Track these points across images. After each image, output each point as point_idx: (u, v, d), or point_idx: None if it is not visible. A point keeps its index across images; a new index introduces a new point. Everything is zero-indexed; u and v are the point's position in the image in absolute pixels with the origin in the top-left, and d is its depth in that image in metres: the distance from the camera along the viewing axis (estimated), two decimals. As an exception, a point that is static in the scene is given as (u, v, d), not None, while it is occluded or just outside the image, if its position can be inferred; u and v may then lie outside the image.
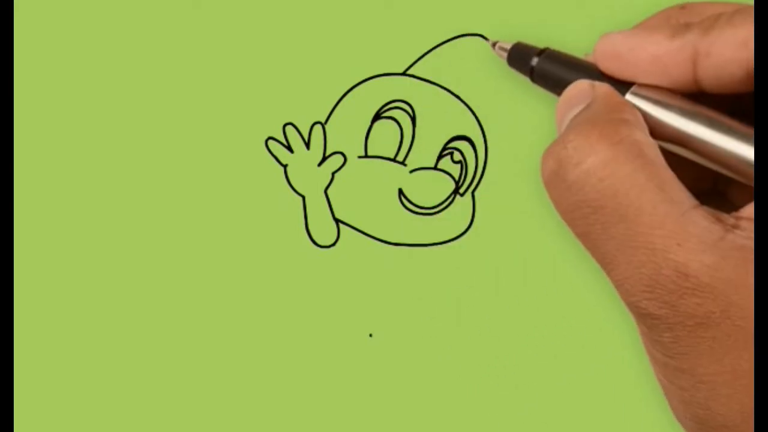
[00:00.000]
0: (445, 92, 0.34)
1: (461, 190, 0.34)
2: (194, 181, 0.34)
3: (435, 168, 0.34)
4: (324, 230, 0.34)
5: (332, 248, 0.34)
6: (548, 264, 0.33)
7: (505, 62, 0.31)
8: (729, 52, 0.25)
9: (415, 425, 0.33)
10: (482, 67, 0.34)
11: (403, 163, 0.34)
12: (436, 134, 0.34)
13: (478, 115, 0.34)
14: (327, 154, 0.34)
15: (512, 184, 0.33)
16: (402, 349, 0.33)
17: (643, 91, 0.27)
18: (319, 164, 0.34)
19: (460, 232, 0.34)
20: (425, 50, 0.34)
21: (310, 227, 0.34)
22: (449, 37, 0.34)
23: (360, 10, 0.34)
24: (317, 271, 0.34)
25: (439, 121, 0.34)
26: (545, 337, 0.33)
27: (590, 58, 0.28)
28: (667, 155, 0.25)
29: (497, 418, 0.33)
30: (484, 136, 0.34)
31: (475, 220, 0.33)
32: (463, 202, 0.34)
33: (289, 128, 0.34)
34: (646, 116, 0.26)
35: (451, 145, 0.34)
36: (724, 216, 0.24)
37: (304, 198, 0.34)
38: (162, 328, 0.33)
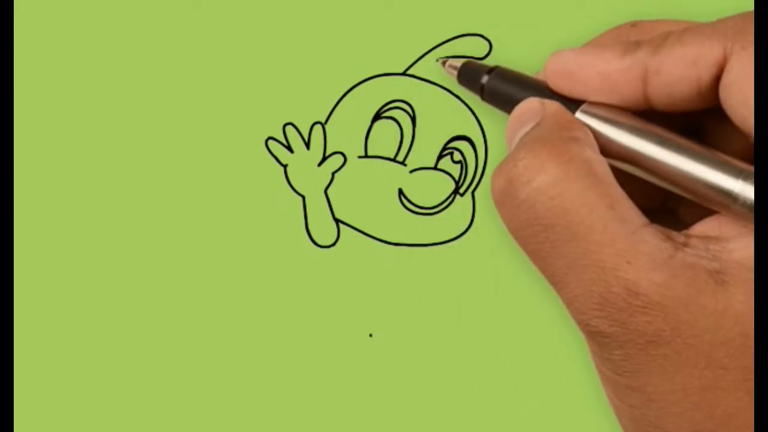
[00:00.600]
0: (445, 92, 0.34)
1: (461, 190, 0.34)
2: (194, 181, 0.34)
3: (435, 168, 0.34)
4: (324, 230, 0.34)
5: (332, 248, 0.34)
6: (548, 264, 0.33)
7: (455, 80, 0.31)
8: (679, 71, 0.25)
9: (415, 425, 0.33)
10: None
11: (403, 163, 0.34)
12: (436, 134, 0.34)
13: (478, 115, 0.34)
14: (327, 154, 0.34)
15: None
16: (402, 349, 0.33)
17: (593, 109, 0.26)
18: (319, 164, 0.34)
19: (460, 232, 0.34)
20: (425, 50, 0.34)
21: (310, 227, 0.34)
22: (449, 37, 0.34)
23: (360, 10, 0.34)
24: (317, 271, 0.34)
25: (439, 121, 0.34)
26: (545, 337, 0.33)
27: (541, 76, 0.28)
28: (618, 173, 0.25)
29: (497, 418, 0.33)
30: (484, 136, 0.34)
31: (475, 220, 0.34)
32: (463, 202, 0.34)
33: (289, 128, 0.34)
34: (596, 134, 0.26)
35: (451, 145, 0.34)
36: (675, 234, 0.24)
37: (304, 198, 0.34)
38: (162, 327, 0.33)
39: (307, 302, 0.33)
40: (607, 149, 0.26)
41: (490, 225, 0.33)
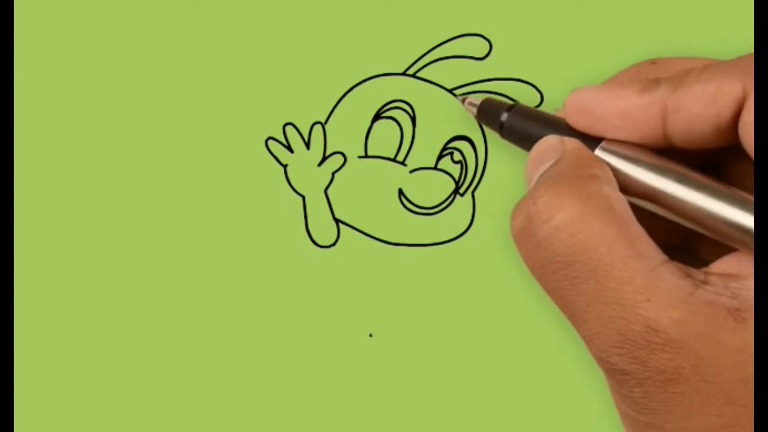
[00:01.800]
0: (445, 92, 0.34)
1: (461, 190, 0.34)
2: (194, 181, 0.34)
3: (435, 168, 0.34)
4: (324, 230, 0.34)
5: (332, 248, 0.34)
6: (548, 264, 0.33)
7: (473, 118, 0.31)
8: (698, 108, 0.25)
9: (415, 425, 0.33)
10: (482, 66, 0.34)
11: (403, 163, 0.34)
12: (436, 134, 0.34)
13: (478, 115, 0.34)
14: (327, 154, 0.34)
15: (512, 184, 0.33)
16: (402, 349, 0.33)
17: (613, 147, 0.26)
18: (319, 164, 0.34)
19: (460, 232, 0.34)
20: (425, 50, 0.34)
21: (310, 227, 0.34)
22: (449, 37, 0.34)
23: (360, 10, 0.34)
24: (317, 271, 0.34)
25: (439, 121, 0.34)
26: (545, 337, 0.33)
27: (560, 113, 0.28)
28: (638, 210, 0.25)
29: (497, 418, 0.33)
30: (484, 136, 0.34)
31: (475, 220, 0.33)
32: (463, 202, 0.34)
33: (289, 128, 0.34)
34: (615, 172, 0.26)
35: (451, 145, 0.34)
36: (694, 272, 0.24)
37: (304, 198, 0.34)
38: (162, 327, 0.33)
39: (307, 302, 0.33)
40: (627, 187, 0.26)
41: (490, 225, 0.33)
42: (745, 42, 0.33)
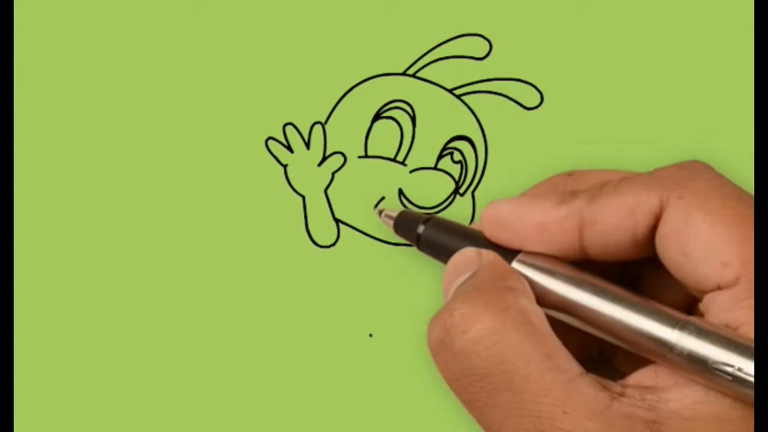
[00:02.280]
0: (445, 92, 0.34)
1: (461, 190, 0.34)
2: (194, 181, 0.34)
3: (435, 168, 0.34)
4: (324, 230, 0.34)
5: (332, 248, 0.34)
6: (548, 264, 0.33)
7: (391, 230, 0.31)
8: (615, 220, 0.25)
9: (415, 425, 0.33)
10: (482, 66, 0.34)
11: (403, 163, 0.34)
12: (436, 134, 0.34)
13: (478, 115, 0.34)
14: (327, 154, 0.34)
15: (512, 184, 0.33)
16: (402, 349, 0.33)
17: (530, 259, 0.27)
18: (319, 164, 0.34)
19: (460, 232, 0.34)
20: (425, 50, 0.34)
21: (310, 227, 0.34)
22: (449, 37, 0.34)
23: (360, 10, 0.34)
24: (317, 271, 0.34)
25: (439, 121, 0.34)
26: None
27: (477, 225, 0.28)
28: (555, 322, 0.25)
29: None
30: (484, 136, 0.34)
31: (475, 220, 0.33)
32: (463, 202, 0.34)
33: (289, 128, 0.34)
34: (532, 284, 0.26)
35: (451, 145, 0.34)
36: (611, 384, 0.24)
37: (304, 198, 0.34)
38: (162, 327, 0.33)
39: (307, 302, 0.33)
40: (544, 299, 0.26)
41: (490, 225, 0.33)
42: (745, 42, 0.33)
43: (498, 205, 0.27)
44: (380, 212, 0.32)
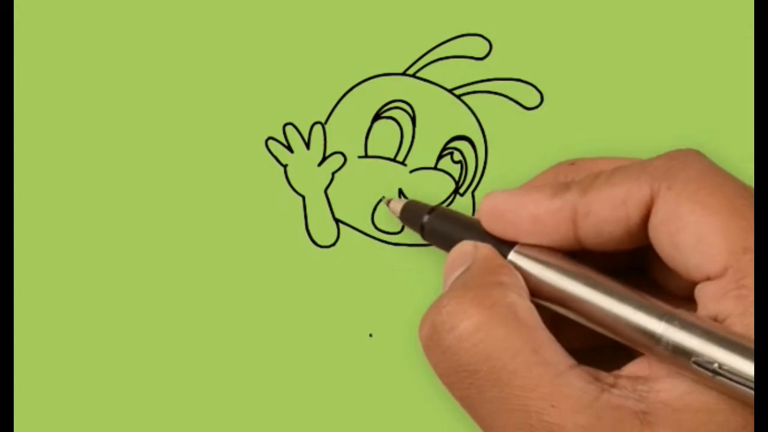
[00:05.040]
0: (445, 92, 0.34)
1: (461, 190, 0.34)
2: (194, 181, 0.34)
3: (435, 168, 0.34)
4: (324, 230, 0.34)
5: (332, 248, 0.34)
6: (548, 264, 0.33)
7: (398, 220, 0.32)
8: (607, 211, 0.25)
9: (415, 425, 0.33)
10: (482, 66, 0.34)
11: (403, 163, 0.34)
12: (436, 134, 0.34)
13: (478, 115, 0.34)
14: (327, 154, 0.34)
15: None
16: (402, 349, 0.33)
17: (525, 251, 0.27)
18: (319, 164, 0.34)
19: (460, 232, 0.34)
20: (425, 50, 0.34)
21: (310, 227, 0.34)
22: (449, 37, 0.34)
23: (360, 10, 0.34)
24: (317, 271, 0.34)
25: (439, 121, 0.34)
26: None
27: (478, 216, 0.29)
28: (551, 314, 0.26)
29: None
30: (484, 136, 0.34)
31: (475, 220, 0.33)
32: (463, 202, 0.34)
33: (289, 128, 0.34)
34: (527, 276, 0.26)
35: (451, 145, 0.34)
36: (603, 375, 0.24)
37: (304, 198, 0.34)
38: (162, 327, 0.33)
39: (307, 302, 0.33)
40: (539, 290, 0.26)
41: (490, 225, 0.33)
42: (745, 42, 0.33)
43: (494, 196, 0.27)
44: (388, 202, 0.32)
